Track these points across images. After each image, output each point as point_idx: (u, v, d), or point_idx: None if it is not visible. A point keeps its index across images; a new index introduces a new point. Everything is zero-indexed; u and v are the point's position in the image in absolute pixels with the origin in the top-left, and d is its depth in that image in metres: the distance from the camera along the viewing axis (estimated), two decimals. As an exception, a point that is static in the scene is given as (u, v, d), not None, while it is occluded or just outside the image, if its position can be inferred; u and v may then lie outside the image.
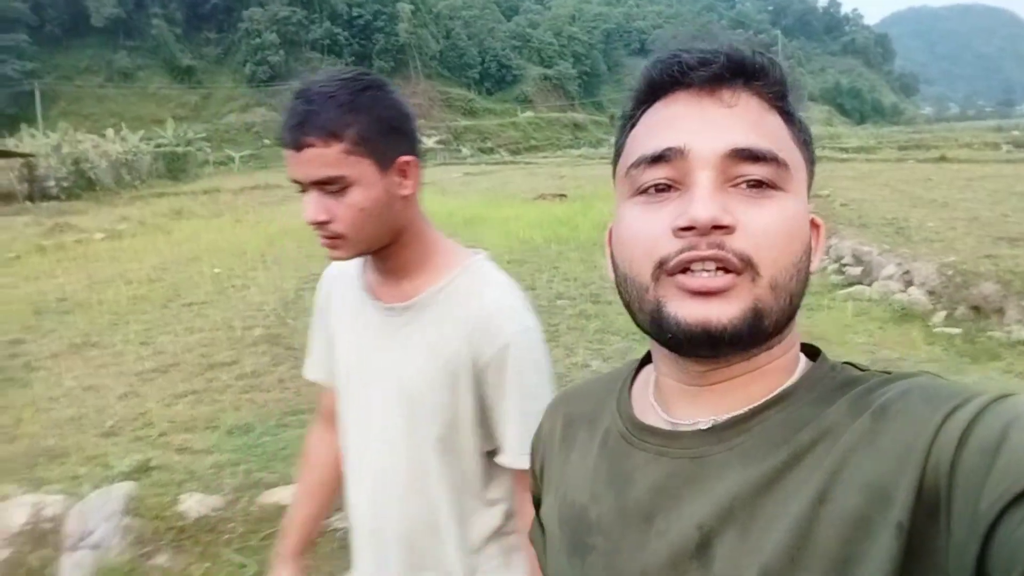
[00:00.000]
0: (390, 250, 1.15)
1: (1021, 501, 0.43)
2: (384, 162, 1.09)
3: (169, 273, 9.54)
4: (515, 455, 1.13)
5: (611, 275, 0.65)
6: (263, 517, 3.05)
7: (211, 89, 75.41)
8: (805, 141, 0.63)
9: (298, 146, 1.05)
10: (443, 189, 23.81)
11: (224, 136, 60.99)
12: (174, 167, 35.90)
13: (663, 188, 0.59)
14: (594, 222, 12.02)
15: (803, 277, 0.59)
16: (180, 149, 39.97)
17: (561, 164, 36.69)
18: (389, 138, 1.10)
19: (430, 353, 1.14)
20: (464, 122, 78.26)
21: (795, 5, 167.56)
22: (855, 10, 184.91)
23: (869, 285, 7.20)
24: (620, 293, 0.63)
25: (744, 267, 0.55)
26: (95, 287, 8.85)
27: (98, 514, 2.97)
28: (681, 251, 0.56)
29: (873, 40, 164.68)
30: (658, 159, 0.59)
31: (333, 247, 1.11)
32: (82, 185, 27.04)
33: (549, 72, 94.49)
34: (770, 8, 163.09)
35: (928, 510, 0.48)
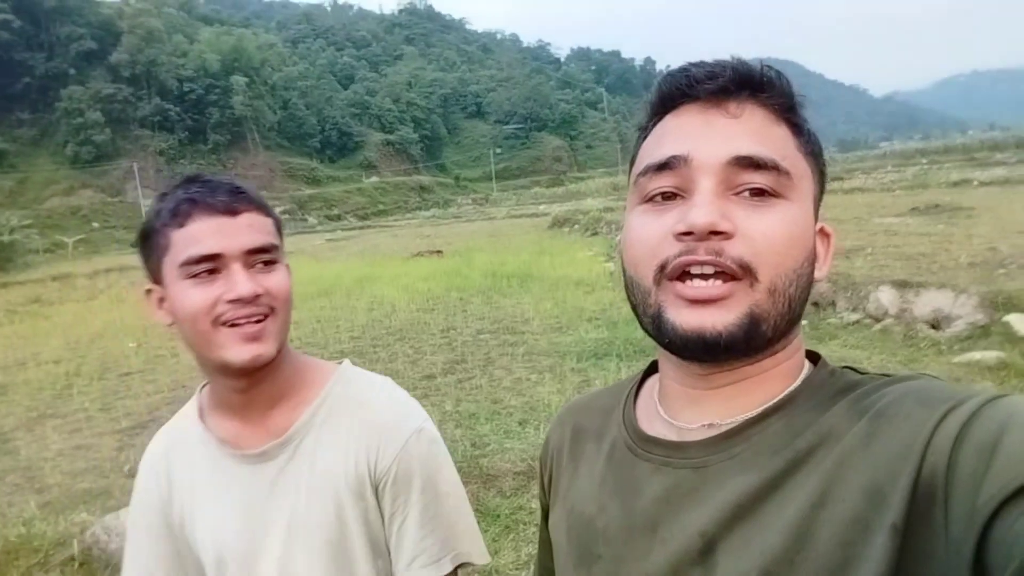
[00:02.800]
0: (267, 370, 0.97)
1: (1018, 497, 0.44)
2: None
3: (82, 351, 9.62)
4: (437, 565, 1.00)
5: (622, 280, 0.66)
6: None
7: (27, 173, 70.43)
8: (813, 152, 0.64)
9: (234, 211, 0.93)
10: (314, 256, 24.20)
11: (47, 222, 57.11)
12: (1, 257, 33.65)
13: (669, 196, 0.61)
14: (482, 271, 13.18)
15: (804, 283, 0.60)
16: (5, 238, 37.39)
17: (422, 225, 38.01)
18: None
19: (314, 493, 0.99)
20: (308, 191, 77.86)
21: (615, 65, 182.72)
22: (668, 66, 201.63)
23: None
24: (628, 296, 0.65)
25: (743, 273, 0.57)
26: (8, 370, 8.85)
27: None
28: (680, 254, 0.58)
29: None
30: (663, 167, 0.61)
31: (260, 335, 0.93)
32: (-100, 278, 25.02)
33: (391, 137, 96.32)
34: (592, 68, 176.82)
35: (923, 510, 0.48)
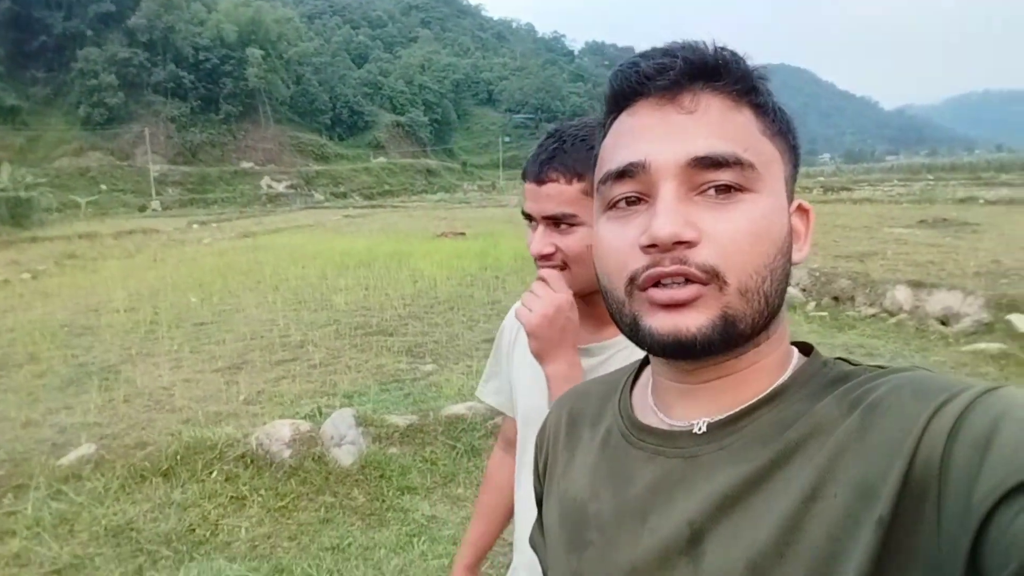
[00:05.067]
0: (599, 295, 1.07)
1: (1014, 496, 0.42)
2: None
3: (148, 303, 10.34)
4: None
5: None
6: (451, 423, 4.60)
7: (39, 131, 70.68)
8: (781, 131, 0.63)
9: (540, 180, 1.10)
10: (334, 229, 24.92)
11: (56, 181, 57.19)
12: (17, 213, 34.08)
13: (633, 200, 0.60)
14: (511, 253, 13.90)
15: (779, 276, 0.59)
16: (23, 194, 37.89)
17: (435, 207, 38.74)
18: None
19: None
20: (316, 167, 78.34)
21: (625, 59, 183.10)
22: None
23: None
24: (605, 302, 0.65)
25: (709, 278, 0.56)
26: (87, 314, 9.59)
27: (343, 425, 4.36)
28: (648, 267, 0.57)
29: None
30: (622, 175, 0.60)
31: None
32: (-78, 232, 25.69)
33: (401, 119, 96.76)
34: (606, 63, 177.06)
35: (914, 505, 0.47)
